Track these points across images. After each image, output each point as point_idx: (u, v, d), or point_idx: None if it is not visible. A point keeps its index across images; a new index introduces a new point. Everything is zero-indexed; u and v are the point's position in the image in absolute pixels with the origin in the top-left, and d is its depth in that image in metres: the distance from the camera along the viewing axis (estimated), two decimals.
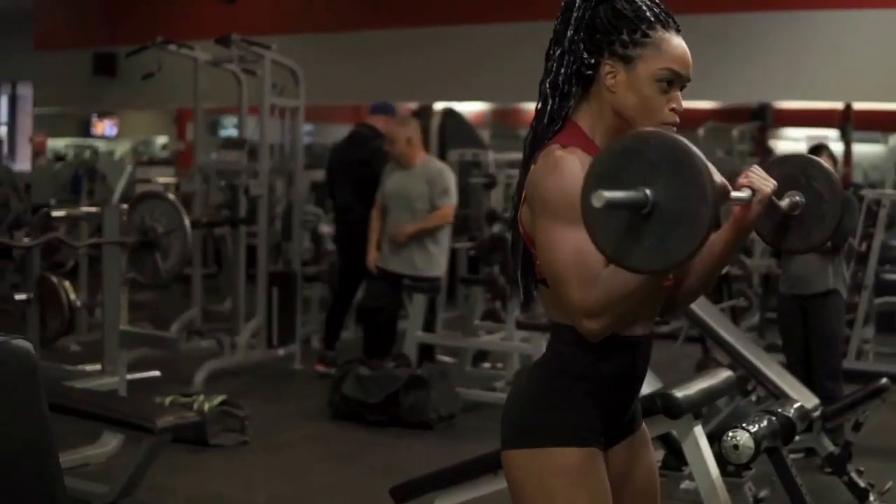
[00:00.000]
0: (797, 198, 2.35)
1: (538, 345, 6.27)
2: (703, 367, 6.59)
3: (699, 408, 3.70)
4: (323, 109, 13.63)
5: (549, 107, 2.28)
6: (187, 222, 5.53)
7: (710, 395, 3.78)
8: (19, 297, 5.74)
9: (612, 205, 1.86)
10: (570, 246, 2.11)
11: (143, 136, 18.86)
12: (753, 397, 5.48)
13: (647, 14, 2.22)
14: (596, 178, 1.93)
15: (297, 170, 8.37)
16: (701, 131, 11.99)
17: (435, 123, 10.50)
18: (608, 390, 2.23)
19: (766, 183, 2.22)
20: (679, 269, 2.11)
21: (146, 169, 13.15)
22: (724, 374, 3.93)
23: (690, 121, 13.01)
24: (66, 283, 5.73)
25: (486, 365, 7.75)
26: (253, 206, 7.85)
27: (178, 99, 8.41)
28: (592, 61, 2.24)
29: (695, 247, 1.89)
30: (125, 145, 18.87)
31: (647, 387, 4.49)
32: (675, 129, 2.25)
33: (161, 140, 18.44)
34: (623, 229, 1.93)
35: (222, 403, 5.95)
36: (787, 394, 4.57)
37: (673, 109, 2.24)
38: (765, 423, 3.42)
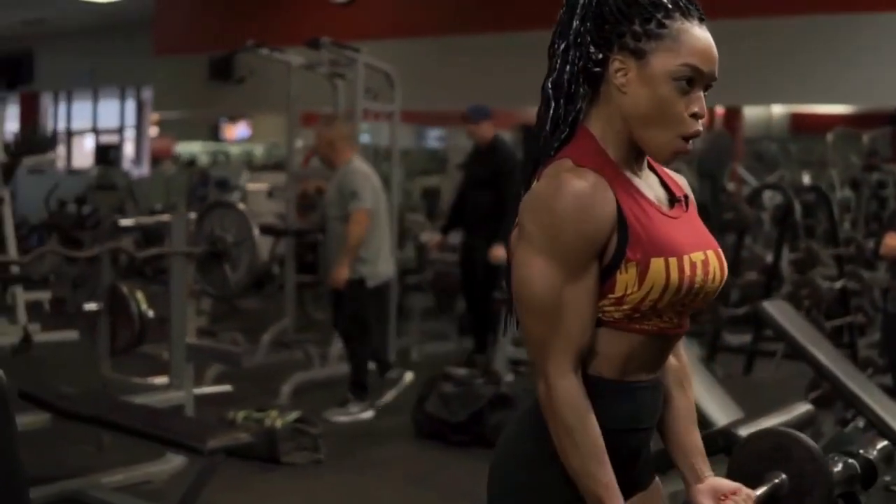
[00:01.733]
0: (776, 480, 2.20)
1: None
2: (815, 386, 6.14)
3: None
4: (456, 115, 13.36)
5: (552, 110, 1.95)
6: (256, 233, 5.31)
7: None
8: (89, 306, 5.62)
9: None
10: (547, 286, 1.83)
11: (276, 138, 18.88)
12: (861, 422, 5.03)
13: (664, 1, 1.88)
14: None
15: (394, 176, 8.13)
16: (830, 137, 11.42)
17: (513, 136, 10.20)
18: (609, 443, 1.90)
19: None
20: None
21: (259, 174, 13.06)
22: (803, 408, 3.52)
23: (820, 126, 12.52)
24: (139, 294, 5.57)
25: None
26: None
27: (306, 102, 8.22)
28: (601, 56, 1.91)
29: None
30: (259, 149, 18.90)
31: (723, 416, 4.11)
32: (694, 139, 1.92)
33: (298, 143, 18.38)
34: None
35: (296, 420, 5.73)
36: (889, 425, 4.13)
37: (694, 115, 1.89)
38: (840, 466, 3.02)
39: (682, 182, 2.09)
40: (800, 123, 15.22)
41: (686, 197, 2.02)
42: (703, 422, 3.93)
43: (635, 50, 1.88)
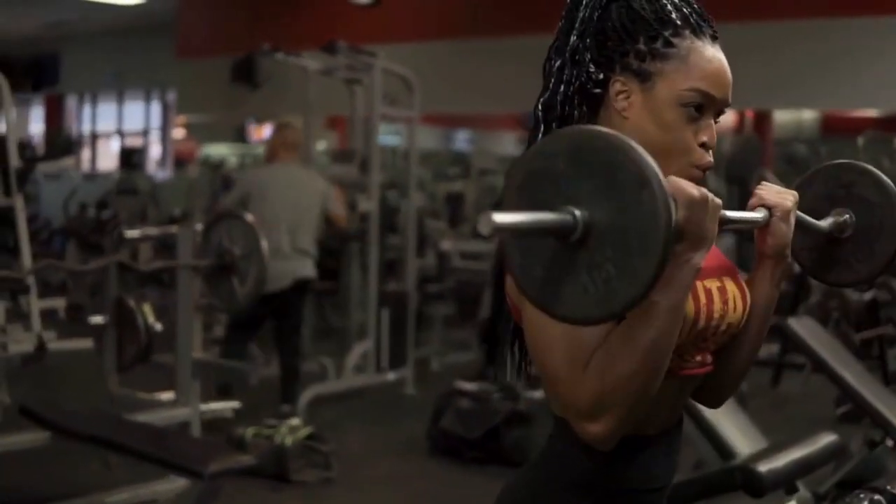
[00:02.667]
0: (845, 217, 1.86)
1: None
2: (844, 401, 5.96)
3: (790, 482, 3.13)
4: (485, 118, 13.19)
5: (541, 135, 1.76)
6: (263, 245, 5.16)
7: (805, 466, 3.20)
8: (95, 320, 5.49)
9: (512, 231, 1.33)
10: (563, 341, 1.59)
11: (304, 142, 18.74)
12: (890, 443, 4.83)
13: (673, 16, 1.69)
14: (515, 192, 1.40)
15: (411, 182, 7.97)
16: (860, 140, 11.17)
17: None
18: None
19: (784, 196, 1.73)
20: (618, 317, 1.50)
21: None
22: (827, 439, 3.34)
23: (851, 129, 12.28)
24: (146, 306, 5.44)
25: None
26: (364, 222, 7.48)
27: (324, 106, 8.09)
28: (601, 77, 1.71)
29: (644, 285, 1.32)
30: None
31: (745, 443, 3.93)
32: (703, 175, 1.72)
33: (321, 145, 18.28)
34: (549, 262, 1.38)
35: (308, 436, 5.58)
36: None
37: (704, 145, 1.70)
38: None
39: None
40: (831, 126, 14.99)
41: None
42: (723, 450, 3.76)
43: (639, 71, 1.69)
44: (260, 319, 6.49)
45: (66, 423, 4.68)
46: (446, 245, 8.94)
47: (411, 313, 7.72)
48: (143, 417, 5.10)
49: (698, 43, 1.69)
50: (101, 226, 11.56)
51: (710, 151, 1.72)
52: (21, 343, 7.46)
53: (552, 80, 1.76)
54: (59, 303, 8.80)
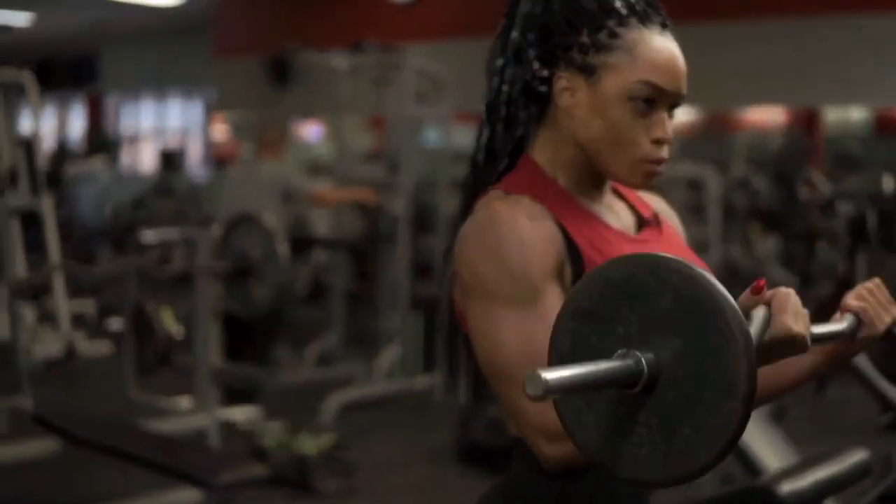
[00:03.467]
0: None
1: None
2: (888, 409, 5.71)
3: (817, 503, 2.92)
4: None
5: (484, 138, 1.68)
6: (281, 249, 5.02)
7: (833, 485, 2.98)
8: (114, 325, 5.39)
9: (565, 390, 1.09)
10: (514, 338, 1.49)
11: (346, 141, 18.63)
12: None
13: (618, 5, 1.59)
14: (576, 318, 1.20)
15: (440, 182, 7.80)
16: None
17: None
18: None
19: (883, 314, 1.55)
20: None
21: (320, 177, 12.77)
22: (857, 455, 3.12)
23: None
24: (166, 311, 5.31)
25: None
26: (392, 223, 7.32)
27: (363, 105, 7.93)
28: (545, 73, 1.61)
29: (725, 439, 1.11)
30: (330, 150, 18.66)
31: (774, 459, 3.72)
32: (659, 167, 1.60)
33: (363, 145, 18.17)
34: (609, 415, 1.17)
35: (331, 444, 5.44)
36: None
37: (658, 141, 1.58)
38: None
39: (654, 202, 1.81)
40: (883, 124, 14.65)
41: (656, 216, 1.73)
42: (751, 466, 3.56)
43: (583, 65, 1.59)
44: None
45: (79, 431, 4.57)
46: None
47: (443, 317, 7.54)
48: (160, 424, 4.99)
49: (646, 32, 1.59)
50: (135, 227, 11.48)
51: (666, 147, 1.60)
52: (47, 345, 7.40)
53: (495, 80, 1.67)
54: (87, 305, 8.75)
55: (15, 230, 7.77)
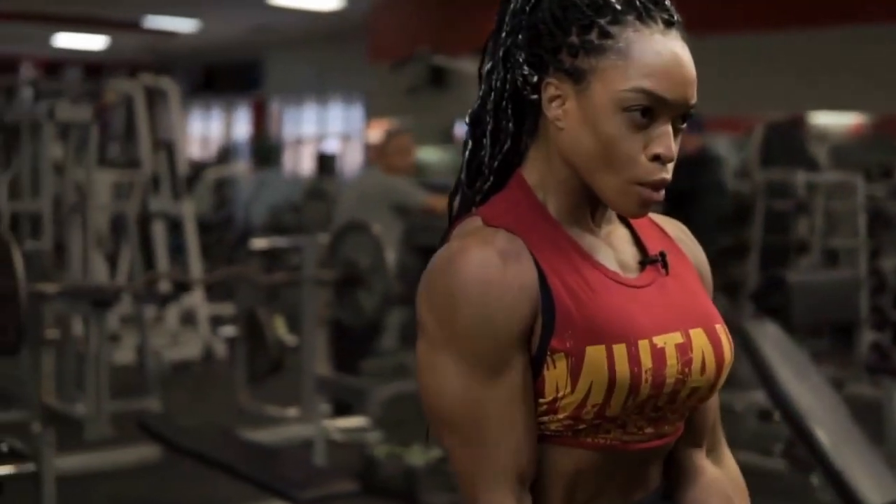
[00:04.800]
0: None
1: (891, 394, 5.27)
2: None
3: None
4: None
5: (468, 152, 1.47)
6: (389, 257, 4.93)
7: None
8: (226, 332, 5.40)
9: None
10: (464, 402, 1.34)
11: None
12: None
13: (612, 1, 1.37)
14: None
15: None
16: None
17: (756, 138, 9.38)
18: None
19: None
20: None
21: None
22: None
23: None
24: (278, 319, 5.30)
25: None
26: None
27: None
28: (535, 79, 1.40)
29: None
30: None
31: (879, 494, 3.44)
32: (658, 193, 1.39)
33: None
34: None
35: (441, 457, 5.33)
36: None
37: (657, 158, 1.36)
38: None
39: (672, 228, 1.57)
40: None
41: (663, 255, 1.48)
42: (851, 499, 3.30)
43: (572, 70, 1.37)
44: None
45: (178, 438, 4.57)
46: None
47: None
48: (268, 434, 4.97)
49: (645, 31, 1.36)
50: (289, 230, 11.58)
51: (668, 166, 1.37)
52: (184, 347, 7.52)
53: (482, 87, 1.46)
54: (227, 308, 8.86)
55: (158, 234, 7.94)
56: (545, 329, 1.34)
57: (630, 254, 1.47)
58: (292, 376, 5.35)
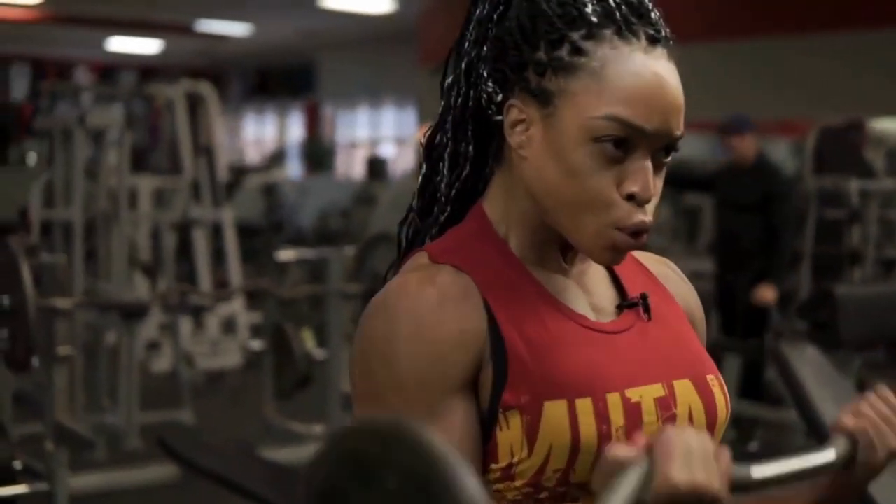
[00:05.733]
0: None
1: None
2: None
3: None
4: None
5: (421, 178, 1.31)
6: None
7: None
8: (253, 345, 5.27)
9: None
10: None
11: None
12: None
13: (588, 10, 1.17)
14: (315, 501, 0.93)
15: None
16: None
17: (810, 143, 9.10)
18: None
19: (889, 434, 1.18)
20: None
21: None
22: None
23: None
24: (306, 333, 5.15)
25: None
26: None
27: None
28: (500, 98, 1.21)
29: None
30: None
31: None
32: (637, 239, 1.19)
33: None
34: None
35: None
36: None
37: (632, 197, 1.17)
38: None
39: (657, 267, 1.37)
40: None
41: (644, 297, 1.28)
42: None
43: (538, 91, 1.18)
44: None
45: (196, 457, 4.44)
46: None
47: None
48: (290, 452, 4.83)
49: (624, 49, 1.16)
50: (338, 235, 11.47)
51: (648, 207, 1.18)
52: (228, 353, 7.41)
53: (441, 104, 1.28)
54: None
55: (199, 241, 7.84)
56: (496, 381, 1.16)
57: (607, 296, 1.29)
58: (320, 391, 5.20)
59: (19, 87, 17.86)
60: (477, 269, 1.20)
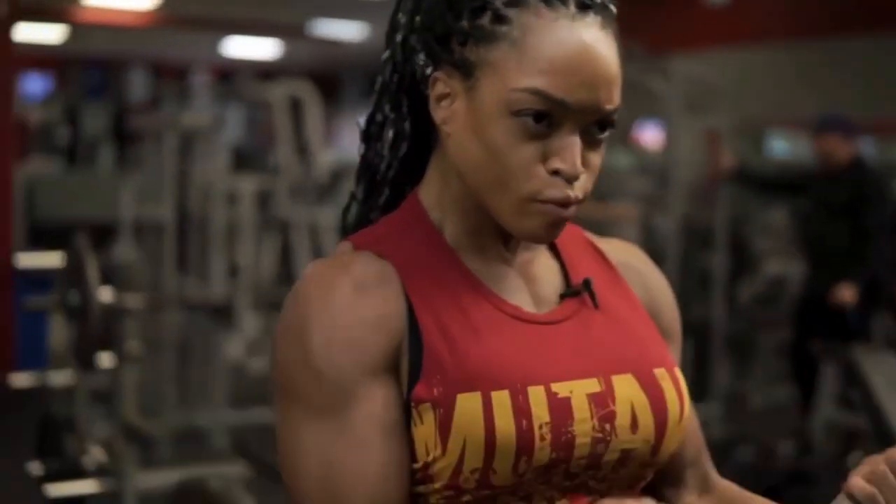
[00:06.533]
0: None
1: None
2: None
3: None
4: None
5: (362, 159, 1.23)
6: None
7: None
8: None
9: None
10: (313, 461, 1.07)
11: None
12: None
13: None
14: None
15: (719, 197, 7.17)
16: None
17: None
18: None
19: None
20: None
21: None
22: None
23: None
24: None
25: None
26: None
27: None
28: (428, 72, 1.13)
29: None
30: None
31: None
32: (566, 210, 1.10)
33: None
34: None
35: None
36: None
37: (557, 172, 1.08)
38: None
39: (617, 257, 1.28)
40: None
41: (587, 283, 1.19)
42: None
43: (460, 62, 1.10)
44: None
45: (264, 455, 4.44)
46: (774, 266, 8.01)
47: (719, 341, 6.94)
48: None
49: (549, 16, 1.07)
50: None
51: (578, 182, 1.09)
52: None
53: (377, 80, 1.21)
54: None
55: (298, 241, 7.86)
56: (411, 374, 1.09)
57: (553, 285, 1.21)
58: None
59: (137, 91, 18.20)
60: (398, 255, 1.13)
